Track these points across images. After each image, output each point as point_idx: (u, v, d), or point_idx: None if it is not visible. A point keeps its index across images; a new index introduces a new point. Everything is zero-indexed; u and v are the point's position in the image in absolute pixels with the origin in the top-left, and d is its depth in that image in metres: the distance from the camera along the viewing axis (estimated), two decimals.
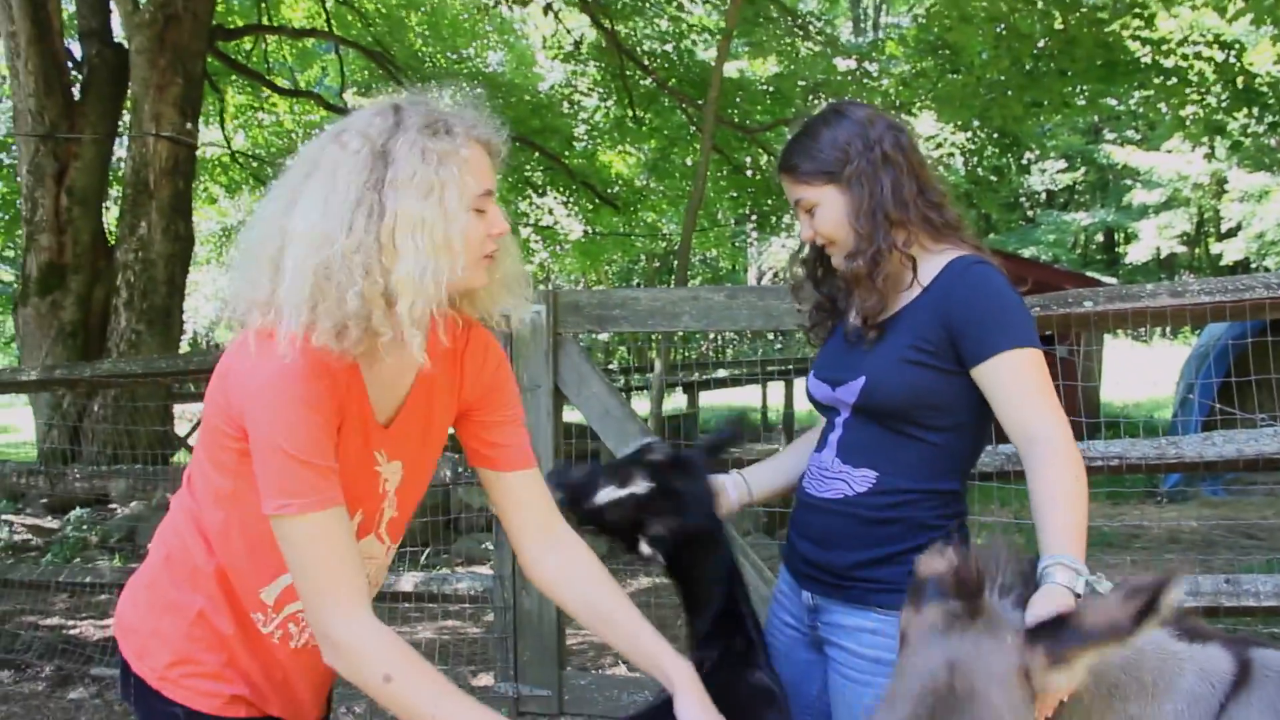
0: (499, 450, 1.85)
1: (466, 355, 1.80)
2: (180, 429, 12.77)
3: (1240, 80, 9.35)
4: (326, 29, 13.84)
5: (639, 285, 24.90)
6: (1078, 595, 1.63)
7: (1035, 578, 1.66)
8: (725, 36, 9.78)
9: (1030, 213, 30.84)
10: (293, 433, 1.51)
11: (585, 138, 15.66)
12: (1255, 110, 9.63)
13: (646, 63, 13.32)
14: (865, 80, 13.33)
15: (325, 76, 18.02)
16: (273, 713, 1.77)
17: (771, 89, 13.67)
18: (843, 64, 13.83)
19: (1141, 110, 15.35)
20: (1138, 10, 8.96)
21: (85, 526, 7.90)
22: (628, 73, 13.29)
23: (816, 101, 13.78)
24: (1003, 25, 9.02)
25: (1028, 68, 9.41)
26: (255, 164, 15.99)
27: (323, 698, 1.88)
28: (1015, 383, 1.86)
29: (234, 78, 14.22)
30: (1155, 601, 1.38)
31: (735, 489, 2.21)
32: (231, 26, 12.60)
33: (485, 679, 4.67)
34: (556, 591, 1.90)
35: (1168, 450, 3.44)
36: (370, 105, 1.62)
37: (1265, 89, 9.62)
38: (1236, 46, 9.56)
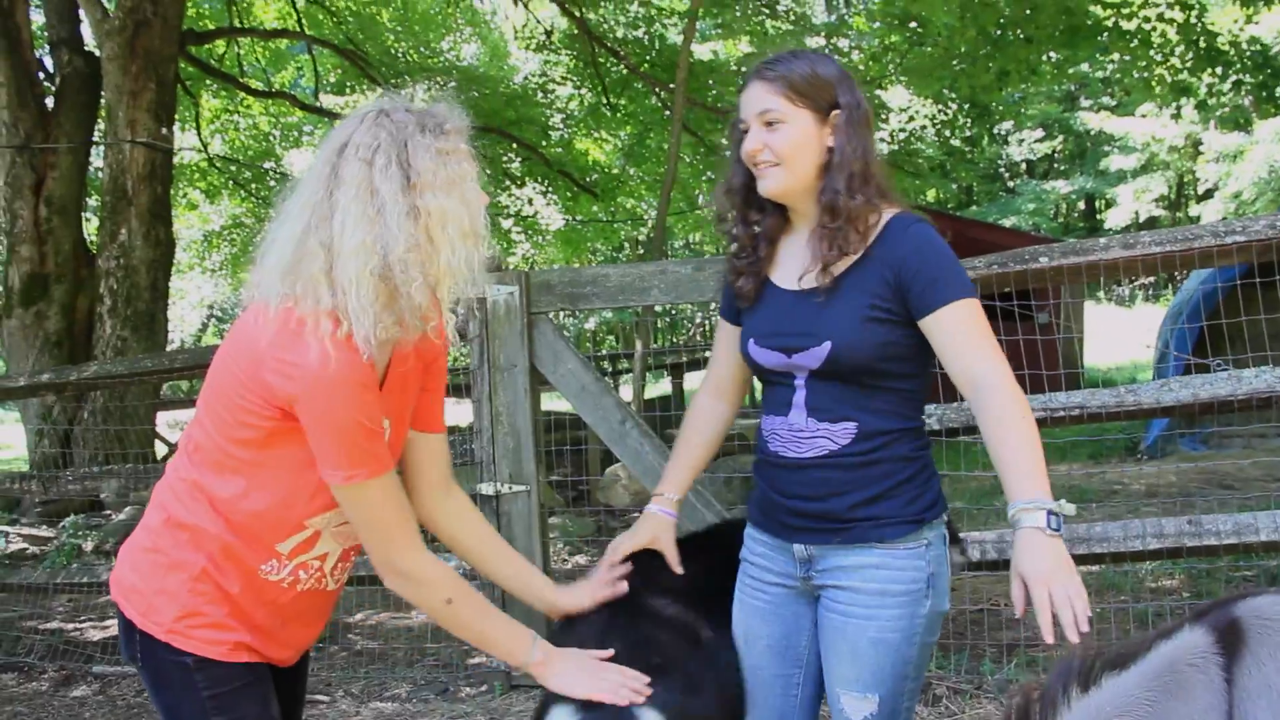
0: (428, 414, 2.07)
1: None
2: (171, 435, 12.87)
3: (1203, 41, 9.44)
4: (298, 29, 13.85)
5: None
6: (1052, 530, 1.76)
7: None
8: (691, 18, 9.84)
9: (1011, 183, 30.95)
10: (364, 408, 1.73)
11: (561, 126, 15.70)
12: (1219, 70, 9.73)
13: (618, 49, 13.37)
14: (836, 57, 13.37)
15: (300, 77, 18.02)
16: (272, 657, 1.91)
17: (743, 70, 13.73)
18: (812, 42, 13.89)
19: (1117, 75, 15.45)
20: None
21: (81, 533, 7.97)
22: (600, 60, 13.33)
23: None
24: None
25: (995, 35, 9.49)
26: (234, 168, 16.00)
27: (317, 634, 2.05)
28: (960, 331, 1.95)
29: (208, 81, 14.22)
30: None
31: (666, 514, 2.33)
32: (202, 30, 12.60)
33: (479, 656, 4.76)
34: (451, 533, 2.17)
35: (1126, 398, 3.55)
36: (356, 115, 1.79)
37: (1228, 48, 9.71)
38: (1196, 7, 9.64)
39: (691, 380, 16.63)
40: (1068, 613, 1.68)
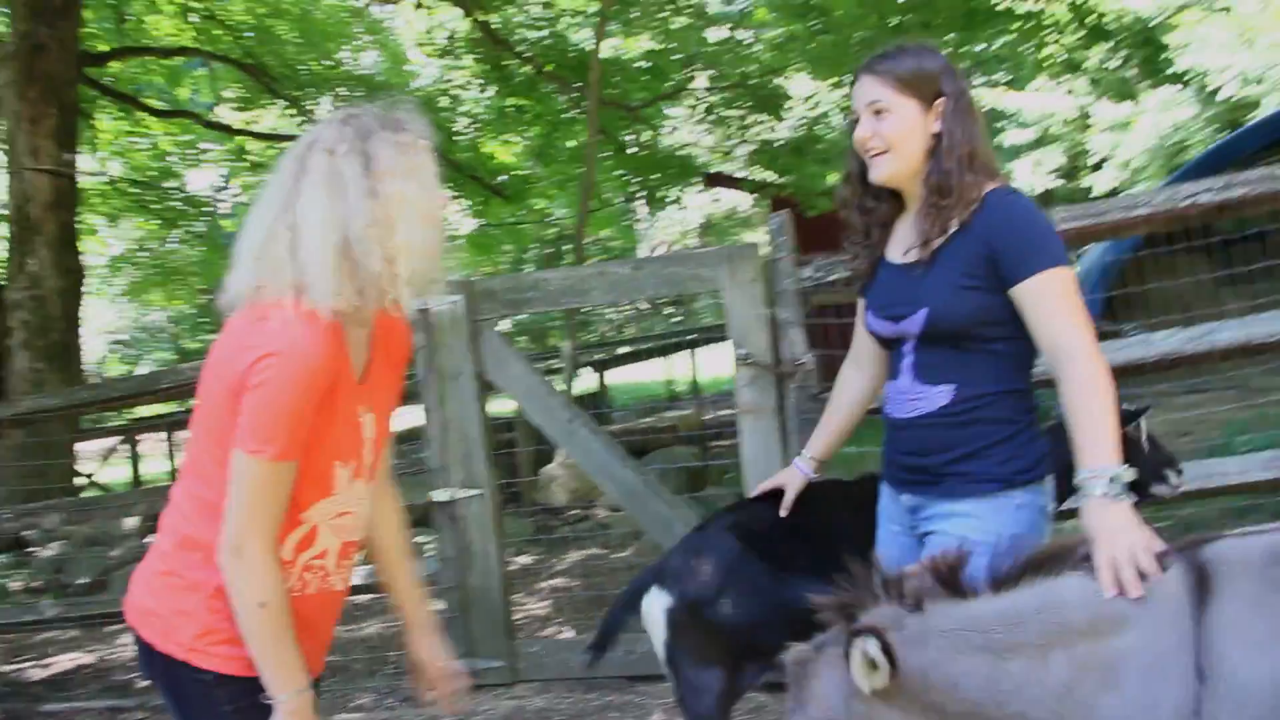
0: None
1: (396, 326, 2.11)
2: (86, 466, 12.61)
3: (1092, 19, 9.82)
4: (195, 46, 13.61)
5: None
6: (1115, 496, 1.89)
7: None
8: (602, 18, 9.92)
9: None
10: (305, 392, 1.78)
11: (468, 131, 15.63)
12: (1109, 47, 10.12)
13: (522, 51, 13.38)
14: (739, 49, 13.58)
15: (195, 93, 17.65)
16: None
17: (648, 65, 13.85)
18: (715, 34, 14.07)
19: (1007, 53, 15.86)
20: None
21: (7, 573, 7.82)
22: (504, 62, 13.33)
23: (692, 74, 14.02)
24: None
25: (892, 23, 9.74)
26: (136, 190, 15.63)
27: (328, 642, 2.10)
28: (1045, 300, 2.09)
29: (102, 103, 13.90)
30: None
31: (804, 471, 2.68)
32: (98, 51, 12.33)
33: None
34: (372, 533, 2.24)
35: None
36: (325, 121, 1.95)
37: (1115, 26, 10.11)
38: None
39: (613, 375, 16.72)
40: (1127, 570, 1.79)
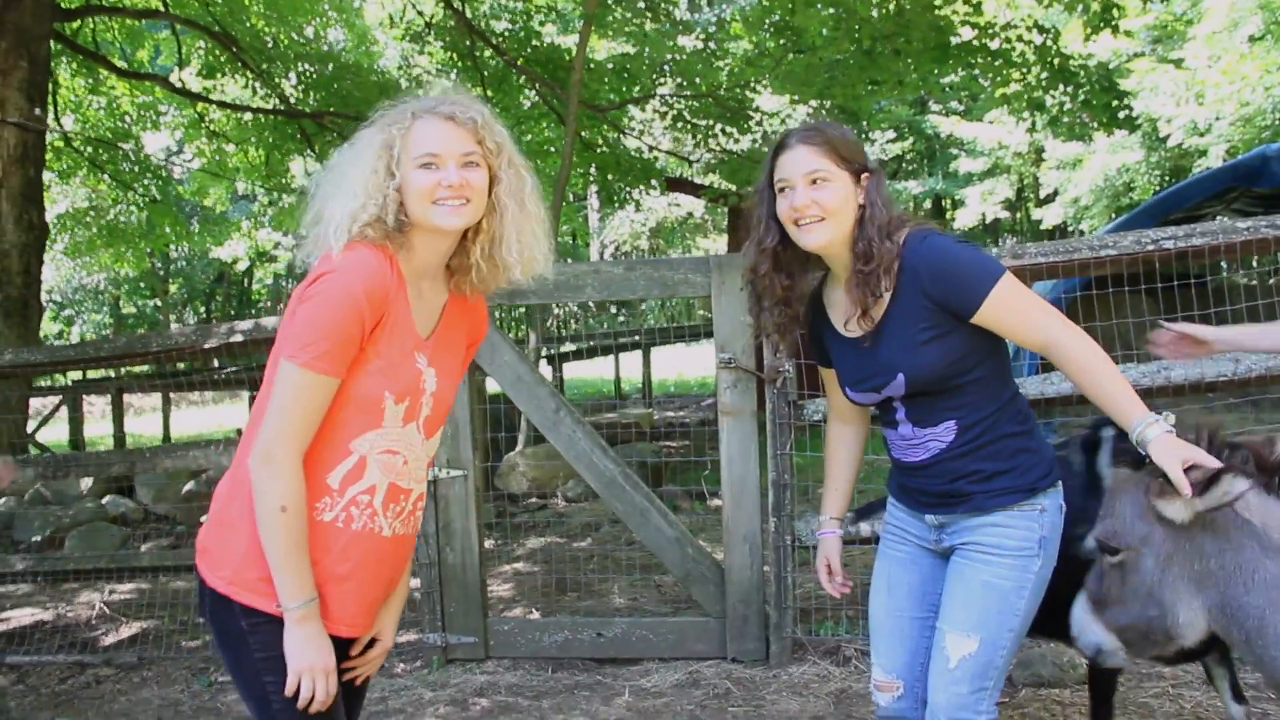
0: None
1: (476, 310, 2.30)
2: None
3: (1056, 61, 10.19)
4: (163, 9, 13.52)
5: None
6: (1168, 430, 2.12)
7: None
8: (586, 21, 10.07)
9: None
10: (348, 307, 1.95)
11: None
12: (1069, 88, 10.51)
13: (496, 43, 13.48)
14: (712, 60, 13.80)
15: (158, 56, 17.47)
16: (332, 622, 2.04)
17: (621, 68, 14.01)
18: (686, 42, 14.26)
19: (963, 84, 16.24)
20: None
21: None
22: (477, 52, 13.40)
23: (662, 80, 14.21)
24: (841, 9, 9.59)
25: (866, 48, 9.99)
26: (91, 149, 15.44)
27: (376, 601, 2.16)
28: (1006, 315, 2.28)
29: (66, 59, 13.74)
30: (1209, 485, 2.07)
31: (834, 532, 2.73)
32: (70, 7, 12.22)
33: (409, 633, 4.94)
34: None
35: None
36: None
37: (1077, 69, 10.51)
38: (1052, 30, 10.41)
39: (571, 369, 16.86)
40: (1199, 471, 2.08)
